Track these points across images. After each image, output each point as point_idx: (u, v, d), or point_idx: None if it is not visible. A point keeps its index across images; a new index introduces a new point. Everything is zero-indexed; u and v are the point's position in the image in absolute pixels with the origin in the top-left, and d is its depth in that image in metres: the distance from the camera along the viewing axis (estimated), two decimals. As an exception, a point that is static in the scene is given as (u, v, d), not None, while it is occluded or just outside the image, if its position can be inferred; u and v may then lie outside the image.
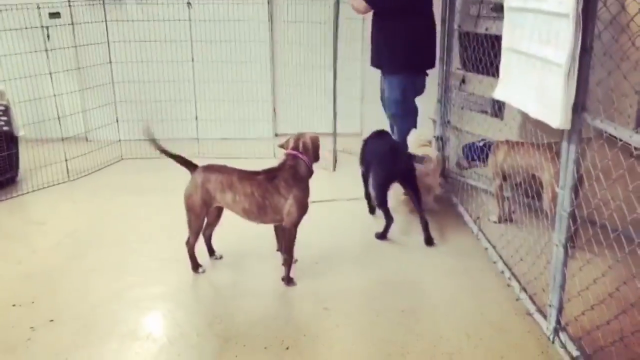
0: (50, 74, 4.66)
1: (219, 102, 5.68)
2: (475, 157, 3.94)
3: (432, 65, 4.38)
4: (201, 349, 2.57)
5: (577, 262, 2.66)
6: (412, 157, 3.71)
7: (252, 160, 5.20)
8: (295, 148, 3.05)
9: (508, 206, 3.85)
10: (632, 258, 2.16)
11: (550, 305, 2.56)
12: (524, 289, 2.91)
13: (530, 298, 2.83)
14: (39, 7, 4.64)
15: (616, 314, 2.27)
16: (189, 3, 5.17)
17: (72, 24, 4.94)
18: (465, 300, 2.95)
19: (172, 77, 5.56)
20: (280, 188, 2.95)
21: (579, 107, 2.24)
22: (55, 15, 4.90)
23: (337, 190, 4.47)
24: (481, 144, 3.90)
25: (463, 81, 4.43)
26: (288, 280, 3.08)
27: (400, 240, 3.67)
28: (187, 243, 3.18)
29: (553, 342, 2.54)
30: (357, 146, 4.67)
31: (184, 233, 3.15)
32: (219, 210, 3.23)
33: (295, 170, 2.99)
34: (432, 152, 4.22)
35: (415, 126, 4.41)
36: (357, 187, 4.18)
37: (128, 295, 3.01)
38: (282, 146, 3.15)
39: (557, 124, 2.28)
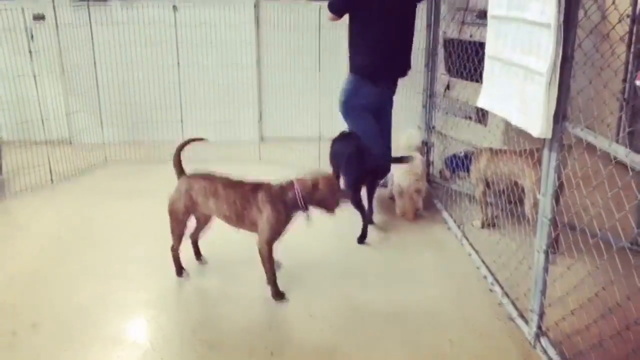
0: (34, 76, 4.62)
1: (205, 106, 5.67)
2: (458, 168, 3.99)
3: (378, 78, 4.24)
4: (185, 354, 2.57)
5: (557, 267, 2.70)
6: (380, 157, 3.79)
7: (238, 164, 5.21)
8: (300, 180, 2.96)
9: (491, 212, 3.89)
10: (610, 264, 2.19)
11: (531, 310, 2.59)
12: (507, 294, 2.94)
13: (513, 303, 2.86)
14: (23, 9, 4.62)
15: (595, 319, 2.30)
16: (174, 6, 5.15)
17: (57, 25, 4.91)
18: (448, 305, 2.97)
19: (157, 80, 5.54)
20: (258, 201, 2.92)
21: (559, 116, 2.28)
22: (39, 17, 4.87)
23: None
24: (462, 154, 3.95)
25: (448, 87, 4.47)
26: (277, 296, 3.02)
27: (383, 245, 3.69)
28: (172, 248, 3.20)
29: (534, 347, 2.57)
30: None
31: (168, 237, 3.15)
32: (208, 216, 3.24)
33: (280, 192, 2.93)
34: (417, 156, 4.24)
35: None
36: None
37: (112, 300, 3.00)
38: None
39: (537, 133, 2.31)
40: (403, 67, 4.33)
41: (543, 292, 2.52)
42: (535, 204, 2.94)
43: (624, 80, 4.14)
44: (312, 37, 4.96)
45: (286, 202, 2.93)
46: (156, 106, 5.61)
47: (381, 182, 4.41)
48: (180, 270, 3.25)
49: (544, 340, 2.53)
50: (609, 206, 2.22)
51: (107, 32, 5.33)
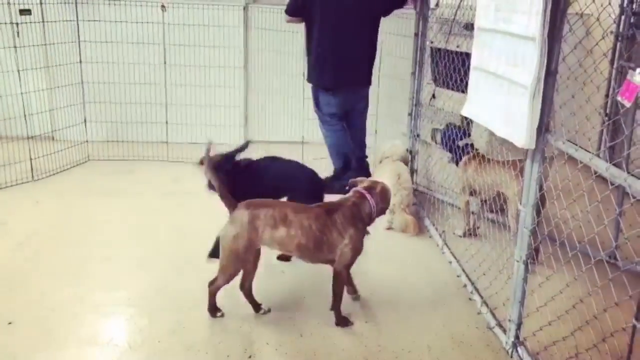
0: (18, 71, 4.57)
1: (190, 107, 5.65)
2: (449, 147, 3.88)
3: (331, 88, 4.36)
4: (163, 356, 2.55)
5: (537, 278, 2.73)
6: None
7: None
8: (368, 190, 2.79)
9: (473, 221, 3.91)
10: (588, 276, 2.22)
11: (509, 320, 2.61)
12: (486, 303, 2.97)
13: (491, 312, 2.89)
14: (9, 3, 4.57)
15: (572, 331, 2.33)
16: (163, 6, 5.13)
17: (43, 21, 4.87)
18: (427, 312, 2.99)
19: (143, 79, 5.51)
20: (338, 224, 2.68)
21: (542, 128, 2.31)
22: (25, 12, 4.82)
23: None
24: (462, 143, 3.83)
25: (433, 96, 4.50)
26: (342, 323, 2.81)
27: (365, 253, 3.69)
28: (212, 284, 2.80)
29: (511, 357, 2.59)
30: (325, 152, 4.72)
31: (150, 237, 3.12)
32: (258, 256, 2.86)
33: (358, 209, 2.73)
34: (402, 168, 4.25)
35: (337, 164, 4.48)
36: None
37: (89, 299, 2.97)
38: (352, 185, 2.88)
39: (521, 144, 2.34)
40: (358, 78, 4.43)
41: (522, 302, 2.54)
42: (517, 215, 2.97)
43: (607, 96, 4.21)
44: (300, 42, 4.98)
45: (364, 219, 2.75)
46: (141, 105, 5.58)
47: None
48: (214, 309, 2.84)
49: (521, 350, 2.56)
50: (588, 219, 2.26)
51: (94, 29, 5.30)
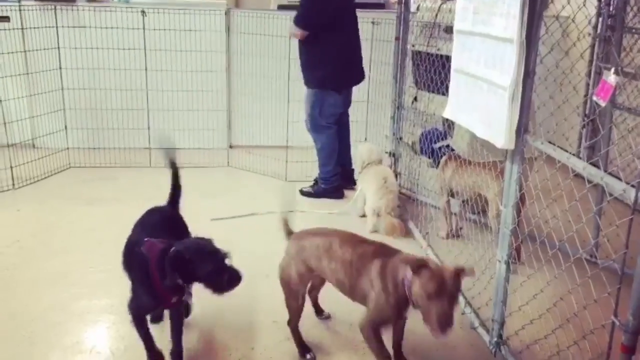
0: (-3, 78, 4.53)
1: (173, 112, 5.62)
2: (427, 152, 3.94)
3: (341, 86, 4.50)
4: (147, 362, 2.53)
5: (518, 277, 2.76)
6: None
7: (206, 169, 5.19)
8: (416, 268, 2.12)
9: (455, 222, 3.94)
10: (568, 274, 2.25)
11: (492, 320, 2.63)
12: (469, 304, 2.99)
13: (475, 312, 2.91)
14: (-13, 10, 4.53)
15: (554, 329, 2.35)
16: (143, 11, 5.11)
17: (22, 28, 4.82)
18: (411, 314, 2.99)
19: (124, 85, 5.48)
20: (371, 271, 2.29)
21: (521, 129, 2.34)
22: (4, 18, 4.77)
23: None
24: (439, 145, 3.89)
25: (415, 99, 4.54)
26: None
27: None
28: (289, 323, 2.64)
29: (495, 356, 2.61)
30: (311, 156, 4.74)
31: (132, 244, 3.10)
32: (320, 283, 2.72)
33: (393, 270, 2.24)
34: (389, 172, 4.28)
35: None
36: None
37: (72, 307, 2.94)
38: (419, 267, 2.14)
39: (501, 144, 2.37)
40: (361, 73, 4.63)
41: (504, 302, 2.57)
42: (498, 215, 3.00)
43: (585, 96, 4.27)
44: (283, 46, 4.99)
45: (397, 285, 2.22)
46: (122, 111, 5.55)
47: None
48: (304, 349, 2.61)
49: (504, 349, 2.58)
50: (567, 218, 2.28)
51: (74, 35, 5.26)
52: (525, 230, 2.67)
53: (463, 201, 3.83)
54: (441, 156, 3.82)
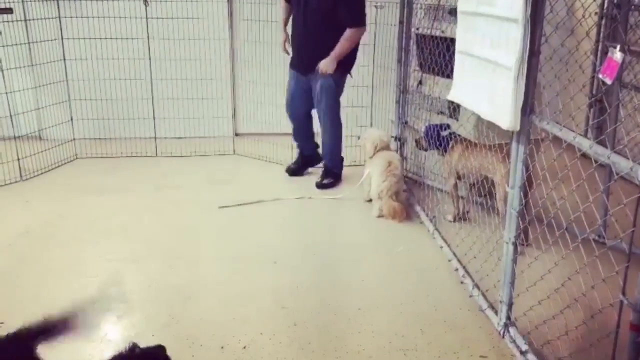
0: (2, 70, 4.53)
1: (177, 101, 5.63)
2: (435, 144, 3.93)
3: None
4: (157, 349, 2.55)
5: (526, 258, 2.75)
6: None
7: (213, 158, 5.21)
8: None
9: (463, 205, 3.93)
10: (576, 255, 2.24)
11: (500, 301, 2.63)
12: (477, 286, 2.99)
13: (483, 294, 2.91)
14: (-11, 2, 4.52)
15: (562, 309, 2.35)
16: (145, 0, 5.09)
17: (25, 19, 4.82)
18: (420, 297, 3.01)
19: (129, 75, 5.47)
20: None
21: (527, 109, 2.32)
22: (6, 10, 4.77)
23: (288, 188, 4.51)
24: (446, 133, 3.86)
25: (420, 82, 4.51)
26: None
27: (356, 240, 3.72)
28: None
29: (503, 337, 2.62)
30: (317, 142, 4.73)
31: (140, 233, 3.12)
32: None
33: None
34: (394, 156, 4.27)
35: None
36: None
37: (82, 297, 2.96)
38: None
39: (507, 125, 2.35)
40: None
41: (512, 283, 2.57)
42: (505, 197, 2.99)
43: (592, 77, 4.23)
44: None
45: None
46: (127, 101, 5.55)
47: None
48: None
49: (512, 330, 2.58)
50: (574, 198, 2.27)
51: (77, 26, 5.25)
52: (532, 212, 2.66)
53: (470, 184, 3.82)
54: (448, 143, 3.80)
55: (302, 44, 4.42)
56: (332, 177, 4.62)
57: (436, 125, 3.96)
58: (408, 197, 4.34)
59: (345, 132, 4.65)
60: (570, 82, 2.72)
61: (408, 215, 4.02)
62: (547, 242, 2.46)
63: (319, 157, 4.82)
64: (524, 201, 2.48)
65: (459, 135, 3.82)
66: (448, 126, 3.92)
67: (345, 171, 4.79)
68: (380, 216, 4.01)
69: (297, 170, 4.85)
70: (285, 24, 4.61)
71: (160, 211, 4.05)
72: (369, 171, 4.21)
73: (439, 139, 3.85)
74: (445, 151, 3.83)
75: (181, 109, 5.63)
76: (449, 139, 3.81)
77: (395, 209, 3.96)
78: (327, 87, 4.37)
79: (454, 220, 3.88)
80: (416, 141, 4.18)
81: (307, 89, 4.52)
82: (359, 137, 4.50)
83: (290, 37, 4.55)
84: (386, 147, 4.27)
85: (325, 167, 4.67)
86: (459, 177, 3.79)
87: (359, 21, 4.27)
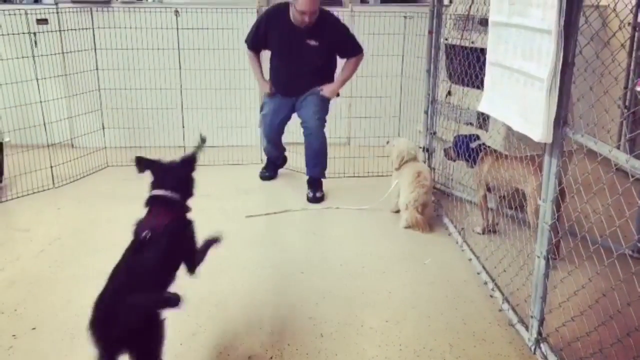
0: (37, 80, 4.64)
1: (206, 110, 5.68)
2: (464, 156, 3.87)
3: None
4: (185, 358, 2.56)
5: (558, 273, 2.70)
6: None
7: (240, 167, 5.24)
8: None
9: (492, 217, 3.89)
10: (611, 270, 2.19)
11: (532, 316, 2.59)
12: (507, 300, 2.94)
13: (513, 309, 2.86)
14: (26, 13, 4.64)
15: (596, 326, 2.30)
16: (176, 11, 5.17)
17: (60, 30, 4.93)
18: (448, 310, 2.97)
19: (159, 84, 5.56)
20: None
21: (560, 122, 2.29)
22: (42, 21, 4.89)
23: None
24: (475, 145, 3.83)
25: (449, 93, 4.48)
26: None
27: (383, 251, 3.70)
28: None
29: (534, 353, 2.57)
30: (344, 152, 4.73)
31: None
32: None
33: None
34: (424, 167, 4.25)
35: None
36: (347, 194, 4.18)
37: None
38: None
39: (539, 138, 2.32)
40: None
41: (543, 298, 2.52)
42: (536, 210, 2.94)
43: (625, 88, 4.16)
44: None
45: None
46: (157, 110, 5.63)
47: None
48: None
49: (544, 346, 2.53)
50: (609, 213, 2.23)
51: (110, 36, 5.36)
52: (565, 226, 2.62)
53: (500, 197, 3.77)
54: (478, 154, 3.76)
55: (292, 83, 4.52)
56: (321, 188, 4.61)
57: (465, 136, 3.92)
58: (436, 208, 4.30)
59: (371, 142, 4.64)
60: (604, 94, 2.67)
61: (431, 227, 3.99)
62: (581, 257, 2.41)
63: (285, 159, 5.10)
64: (556, 215, 2.43)
65: (489, 147, 3.78)
66: (477, 137, 3.88)
67: (370, 182, 4.78)
68: (408, 227, 3.98)
69: (271, 176, 5.04)
70: (262, 73, 4.71)
71: (189, 219, 4.08)
72: (397, 182, 4.19)
73: (467, 150, 3.82)
74: (475, 163, 3.79)
75: (209, 118, 5.68)
76: (478, 150, 3.77)
77: (418, 220, 3.94)
78: (319, 104, 4.50)
79: (483, 233, 3.83)
80: (445, 151, 4.15)
81: (286, 105, 4.65)
82: (387, 142, 4.46)
83: (272, 71, 4.63)
84: (413, 159, 4.24)
85: (314, 179, 4.61)
86: (488, 189, 3.74)
87: (361, 48, 4.47)
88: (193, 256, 2.55)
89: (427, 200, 4.04)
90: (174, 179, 2.59)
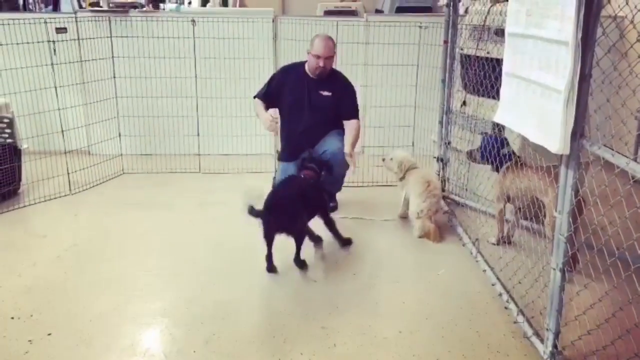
0: (55, 87, 4.70)
1: (222, 118, 5.71)
2: (491, 159, 3.78)
3: None
4: (198, 366, 2.57)
5: (574, 286, 2.67)
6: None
7: (254, 175, 5.26)
8: None
9: (507, 228, 3.86)
10: (628, 283, 2.17)
11: (547, 329, 2.56)
12: (522, 312, 2.92)
13: (528, 321, 2.84)
14: (46, 22, 4.71)
15: (613, 340, 2.28)
16: (193, 20, 5.23)
17: (78, 39, 5.00)
18: (462, 322, 2.95)
19: (175, 93, 5.61)
20: None
21: (577, 133, 2.27)
22: (61, 30, 4.96)
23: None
24: (506, 151, 3.76)
25: (464, 103, 4.47)
26: None
27: (396, 261, 3.68)
28: None
29: (550, 366, 2.54)
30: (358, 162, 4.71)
31: (184, 248, 3.16)
32: None
33: None
34: (433, 176, 4.24)
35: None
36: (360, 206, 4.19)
37: (127, 310, 3.02)
38: None
39: (556, 149, 2.31)
40: None
41: (559, 311, 2.49)
42: (553, 222, 2.92)
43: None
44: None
45: None
46: (173, 118, 5.68)
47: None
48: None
49: (559, 360, 2.51)
50: (627, 225, 2.21)
51: (127, 45, 5.42)
52: (582, 238, 2.59)
53: (516, 208, 3.74)
54: (505, 162, 3.70)
55: (303, 138, 4.36)
56: (335, 198, 4.57)
57: (496, 139, 3.81)
58: (450, 218, 4.28)
59: (386, 151, 4.62)
60: (622, 106, 2.65)
61: (442, 236, 3.98)
62: (598, 270, 2.39)
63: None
64: (572, 227, 2.41)
65: (518, 157, 3.71)
66: (506, 140, 3.79)
67: (383, 191, 4.77)
68: (421, 236, 3.97)
69: None
70: (265, 110, 4.55)
71: (203, 227, 4.11)
72: (405, 191, 4.19)
73: (497, 155, 3.75)
74: (499, 169, 3.72)
75: (225, 126, 5.71)
76: (508, 157, 3.69)
77: (430, 230, 3.94)
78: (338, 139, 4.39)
79: (498, 244, 3.81)
80: (469, 153, 4.09)
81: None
82: (383, 159, 4.41)
83: (285, 125, 4.49)
84: (414, 167, 4.24)
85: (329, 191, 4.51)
86: (508, 200, 3.71)
87: (358, 113, 4.43)
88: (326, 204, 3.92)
89: (438, 208, 4.05)
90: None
